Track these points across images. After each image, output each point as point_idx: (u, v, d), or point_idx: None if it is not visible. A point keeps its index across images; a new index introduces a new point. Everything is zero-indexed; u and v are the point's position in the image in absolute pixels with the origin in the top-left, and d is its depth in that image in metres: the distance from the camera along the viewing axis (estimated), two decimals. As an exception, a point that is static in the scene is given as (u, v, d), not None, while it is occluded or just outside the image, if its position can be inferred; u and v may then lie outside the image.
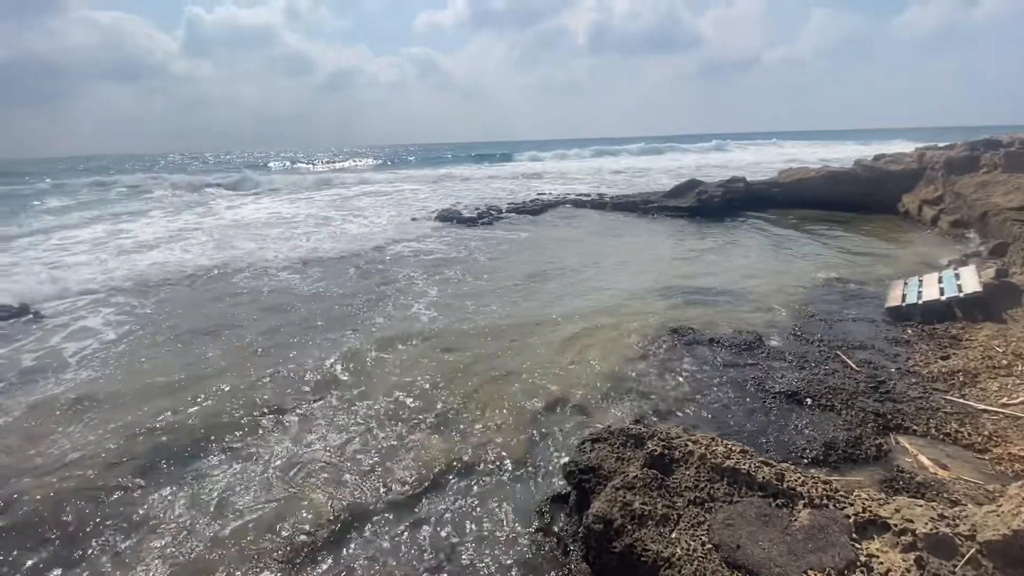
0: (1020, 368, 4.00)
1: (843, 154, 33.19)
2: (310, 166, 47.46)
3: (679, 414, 3.84)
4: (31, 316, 6.53)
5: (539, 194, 18.43)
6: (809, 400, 3.85)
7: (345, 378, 4.60)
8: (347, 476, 3.27)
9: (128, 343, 5.66)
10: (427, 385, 4.41)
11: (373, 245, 10.38)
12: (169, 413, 4.07)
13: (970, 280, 5.37)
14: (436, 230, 12.02)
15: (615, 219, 13.19)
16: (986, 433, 3.31)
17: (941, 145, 13.38)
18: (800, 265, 8.01)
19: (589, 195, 17.24)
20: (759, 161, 32.29)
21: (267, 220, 14.22)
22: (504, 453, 3.46)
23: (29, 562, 2.70)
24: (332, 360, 4.92)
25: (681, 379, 4.34)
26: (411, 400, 4.18)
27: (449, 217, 13.53)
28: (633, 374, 4.44)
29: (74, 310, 6.80)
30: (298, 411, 4.07)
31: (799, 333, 5.15)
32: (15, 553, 2.76)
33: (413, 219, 13.64)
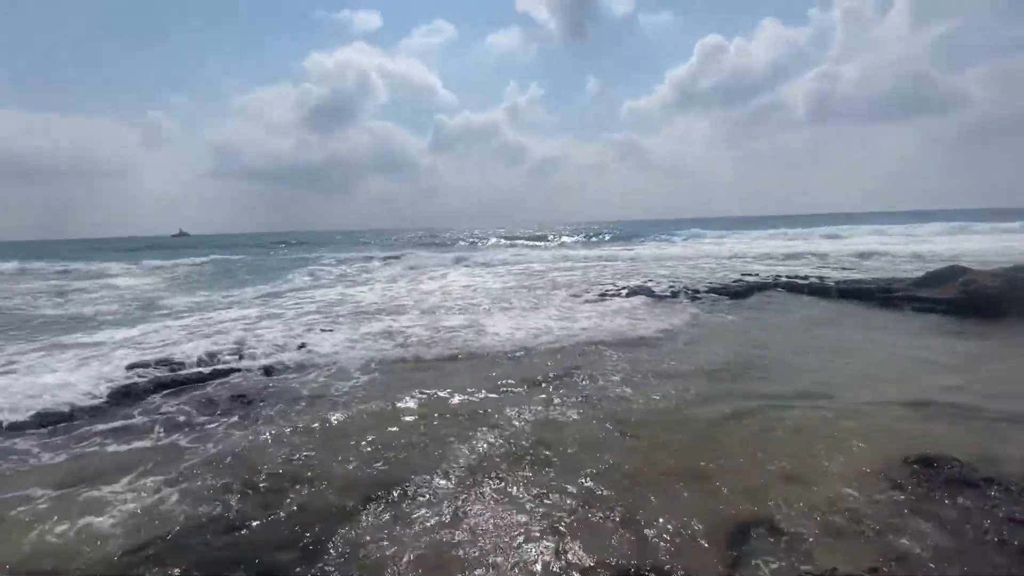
0: None
1: None
2: (500, 240, 52.44)
3: None
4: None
5: (743, 274, 17.06)
6: None
7: (531, 452, 4.80)
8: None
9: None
10: (607, 472, 4.31)
11: (562, 329, 10.87)
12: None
13: None
14: (626, 310, 12.01)
15: (842, 308, 11.36)
16: None
17: None
18: None
19: (807, 278, 15.30)
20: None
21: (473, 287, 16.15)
22: None
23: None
24: (508, 433, 5.21)
25: (934, 528, 3.39)
26: (585, 488, 4.13)
27: (638, 291, 13.43)
28: (864, 508, 3.64)
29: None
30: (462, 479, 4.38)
31: None
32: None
33: (602, 295, 13.90)
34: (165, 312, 13.50)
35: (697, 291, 13.93)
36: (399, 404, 6.04)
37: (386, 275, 22.04)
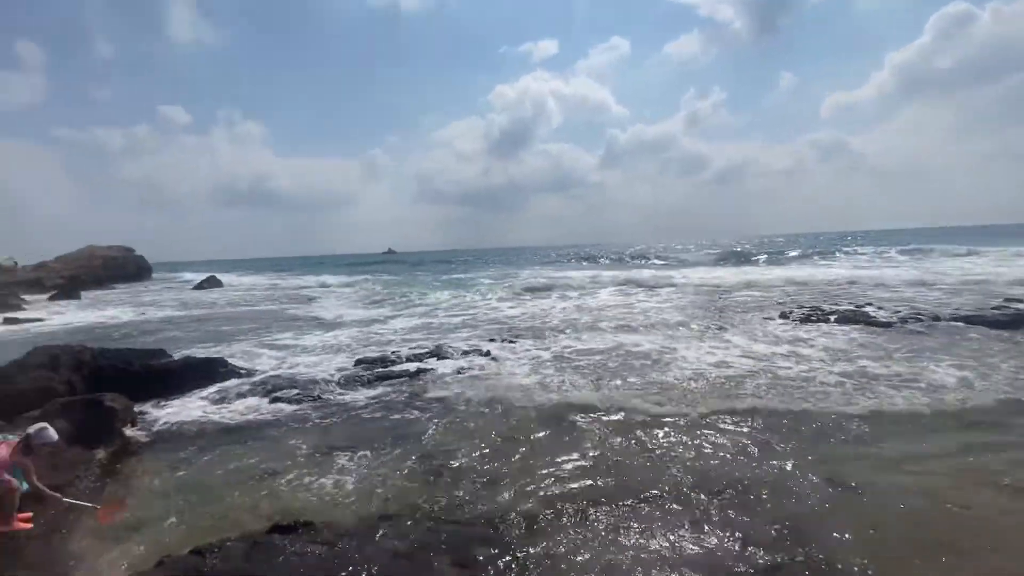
0: None
1: None
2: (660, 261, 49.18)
3: None
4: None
5: (1007, 299, 13.22)
6: None
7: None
8: None
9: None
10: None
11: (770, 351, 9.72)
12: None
13: None
14: (829, 331, 10.22)
15: None
16: None
17: None
18: None
19: (1117, 307, 11.17)
20: None
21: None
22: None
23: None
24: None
25: None
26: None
27: (856, 319, 11.29)
28: None
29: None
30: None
31: None
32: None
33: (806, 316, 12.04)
34: (373, 318, 15.88)
35: (938, 316, 11.18)
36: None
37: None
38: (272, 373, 8.62)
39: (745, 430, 5.45)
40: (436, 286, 27.93)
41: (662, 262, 40.80)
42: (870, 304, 13.47)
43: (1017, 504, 3.77)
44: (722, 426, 5.57)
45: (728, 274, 24.67)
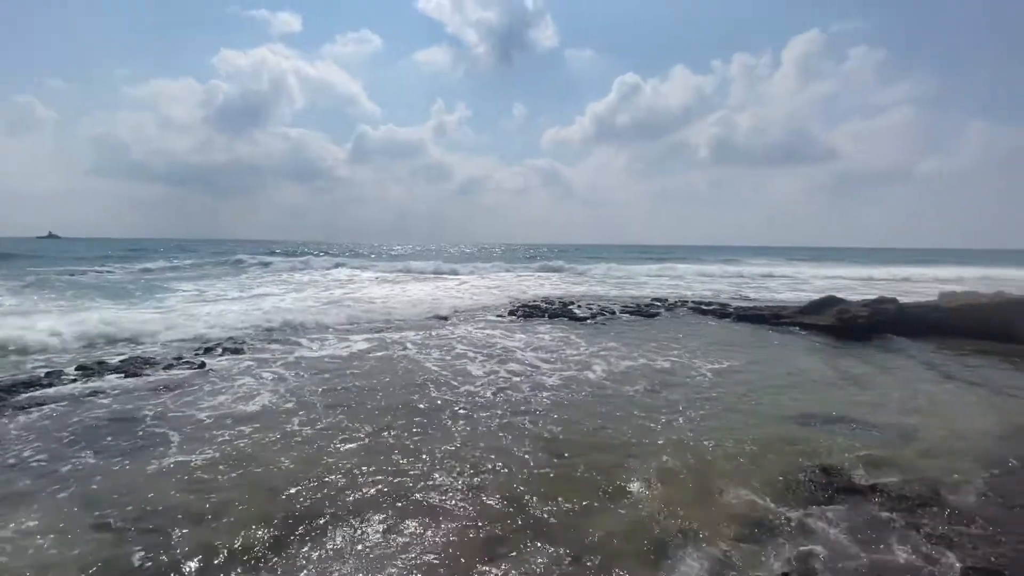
0: None
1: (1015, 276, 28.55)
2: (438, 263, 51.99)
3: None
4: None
5: (655, 298, 18.15)
6: (1017, 586, 3.05)
7: (443, 468, 4.65)
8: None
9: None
10: (542, 490, 4.28)
11: (486, 338, 10.85)
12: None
13: None
14: (547, 326, 12.24)
15: (740, 330, 12.39)
16: None
17: None
18: (981, 406, 6.72)
19: (710, 303, 16.58)
20: (907, 278, 28.93)
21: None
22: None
23: None
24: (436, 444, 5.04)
25: (836, 532, 3.71)
26: (523, 505, 4.07)
27: (562, 314, 13.80)
28: (773, 517, 3.89)
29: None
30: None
31: (991, 493, 4.21)
32: None
33: (529, 311, 14.06)
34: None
35: (613, 311, 14.62)
36: (312, 424, 5.64)
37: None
38: None
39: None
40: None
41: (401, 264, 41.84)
42: (574, 303, 16.64)
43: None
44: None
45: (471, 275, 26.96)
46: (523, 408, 6.36)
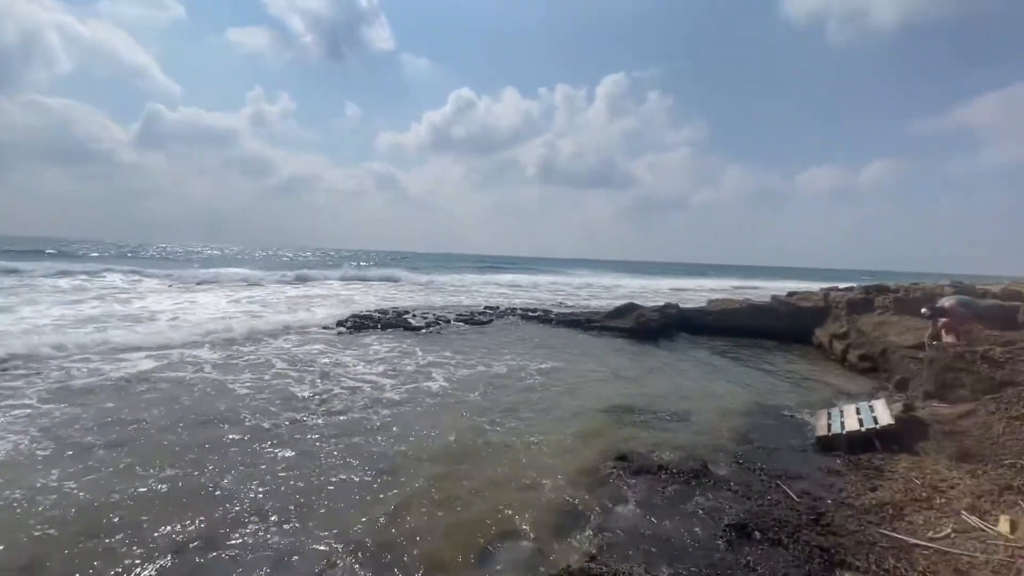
0: (939, 501, 4.28)
1: (759, 286, 36.91)
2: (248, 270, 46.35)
3: (632, 550, 3.72)
4: None
5: (487, 306, 18.87)
6: (758, 534, 3.88)
7: (275, 499, 4.16)
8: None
9: (14, 453, 4.90)
10: (369, 504, 4.07)
11: (316, 348, 10.03)
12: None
13: (883, 413, 5.88)
14: (380, 338, 11.83)
15: (561, 334, 13.59)
16: (920, 569, 3.42)
17: (841, 287, 15.30)
18: (734, 389, 8.47)
19: (536, 310, 17.85)
20: (686, 288, 35.16)
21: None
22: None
23: None
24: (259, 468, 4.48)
25: (633, 510, 4.27)
26: (360, 524, 3.82)
27: (396, 324, 13.45)
28: (583, 504, 4.32)
29: None
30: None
31: (741, 461, 5.30)
32: None
33: (361, 324, 13.36)
34: None
35: (448, 320, 14.79)
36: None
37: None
38: None
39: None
40: None
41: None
42: (409, 310, 16.36)
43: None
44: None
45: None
46: (358, 428, 5.96)
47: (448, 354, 10.26)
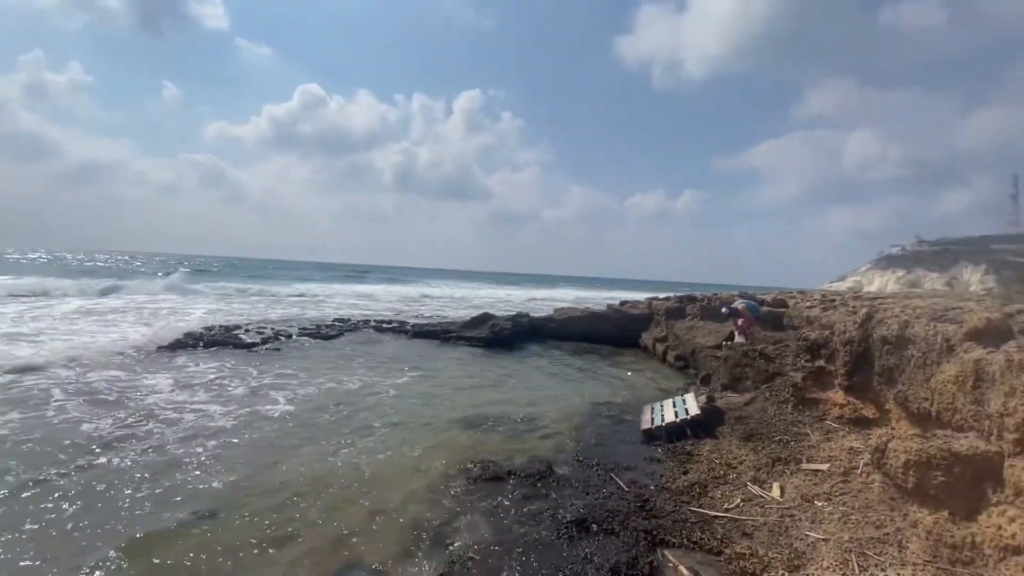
0: (731, 476, 5.13)
1: (599, 295, 40.83)
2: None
3: (482, 562, 3.75)
4: None
5: (336, 318, 17.72)
6: (595, 526, 4.22)
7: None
8: None
9: None
10: (181, 551, 3.47)
11: (127, 373, 8.33)
12: None
13: (692, 405, 6.89)
14: (205, 358, 10.33)
15: (417, 346, 13.36)
16: (719, 537, 4.05)
17: (661, 296, 17.66)
18: (576, 392, 9.18)
19: (391, 321, 17.29)
20: (536, 298, 37.41)
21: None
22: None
23: None
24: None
25: (482, 520, 4.32)
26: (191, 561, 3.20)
27: (225, 341, 11.87)
28: (433, 521, 4.26)
29: None
30: None
31: (581, 459, 5.74)
32: None
33: (178, 342, 11.46)
34: None
35: (290, 335, 13.51)
36: None
37: None
38: None
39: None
40: None
41: None
42: (242, 324, 14.55)
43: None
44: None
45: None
46: (174, 465, 5.05)
47: (290, 372, 9.37)
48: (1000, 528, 3.08)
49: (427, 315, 21.38)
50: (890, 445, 3.86)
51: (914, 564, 3.32)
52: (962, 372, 3.73)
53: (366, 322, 16.85)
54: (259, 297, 25.56)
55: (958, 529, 3.31)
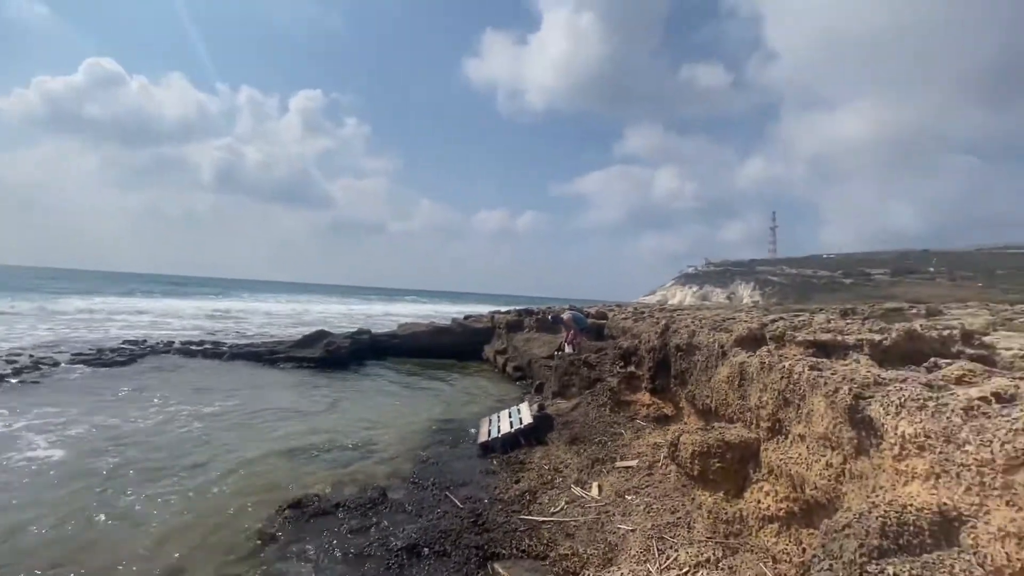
0: (559, 480, 5.46)
1: (446, 309, 41.05)
2: None
3: (298, 608, 3.35)
4: None
5: (129, 340, 14.70)
6: (426, 549, 4.08)
7: None
8: None
9: None
10: None
11: None
12: None
13: (526, 414, 7.21)
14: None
15: (234, 370, 11.73)
16: (545, 541, 4.24)
17: (503, 310, 18.41)
18: (416, 411, 8.95)
19: (203, 342, 14.95)
20: (380, 313, 36.11)
21: None
22: None
23: None
24: None
25: (303, 565, 3.88)
26: None
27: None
28: (253, 568, 3.70)
29: None
30: None
31: (416, 480, 5.56)
32: None
33: None
34: None
35: (57, 362, 10.81)
36: None
37: None
38: None
39: None
40: None
41: None
42: (-22, 354, 11.16)
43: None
44: None
45: None
46: None
47: (56, 410, 7.45)
48: (759, 502, 3.75)
49: (250, 334, 19.04)
50: (681, 439, 4.48)
51: (699, 542, 3.86)
52: (731, 373, 4.51)
53: (169, 344, 14.31)
54: (16, 315, 20.02)
55: (730, 506, 3.95)
